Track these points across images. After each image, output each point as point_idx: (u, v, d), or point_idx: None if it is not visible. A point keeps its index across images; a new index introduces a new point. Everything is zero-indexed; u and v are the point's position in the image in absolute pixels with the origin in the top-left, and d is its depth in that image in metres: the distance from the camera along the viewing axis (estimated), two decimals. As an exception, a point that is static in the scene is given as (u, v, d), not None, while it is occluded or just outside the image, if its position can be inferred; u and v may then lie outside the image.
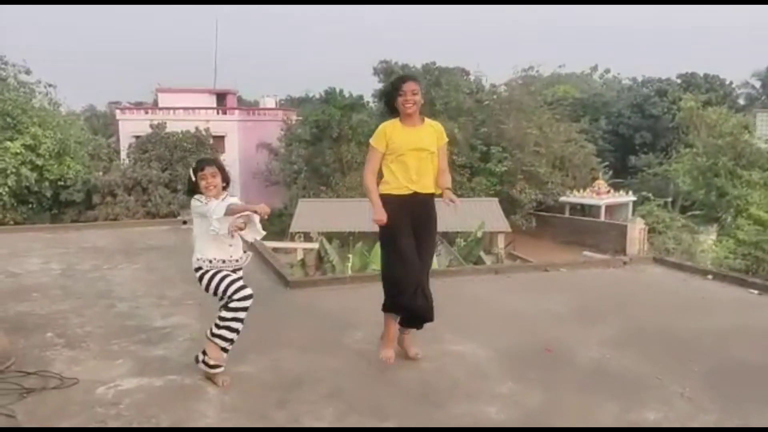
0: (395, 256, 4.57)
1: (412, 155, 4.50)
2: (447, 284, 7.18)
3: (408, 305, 4.57)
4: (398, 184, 4.52)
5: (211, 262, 4.14)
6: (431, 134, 4.61)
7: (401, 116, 4.56)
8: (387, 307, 4.70)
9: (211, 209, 3.99)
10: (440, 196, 4.68)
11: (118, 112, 39.12)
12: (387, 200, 4.53)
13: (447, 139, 4.78)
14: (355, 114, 35.04)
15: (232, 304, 4.08)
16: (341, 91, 40.06)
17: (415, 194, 4.54)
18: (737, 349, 5.01)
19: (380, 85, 36.73)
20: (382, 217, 4.47)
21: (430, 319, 4.71)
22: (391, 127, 4.57)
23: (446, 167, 4.79)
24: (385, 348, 4.72)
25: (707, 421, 3.78)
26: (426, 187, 4.58)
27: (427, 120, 4.68)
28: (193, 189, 4.18)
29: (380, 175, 4.65)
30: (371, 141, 4.64)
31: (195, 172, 4.15)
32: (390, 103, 4.59)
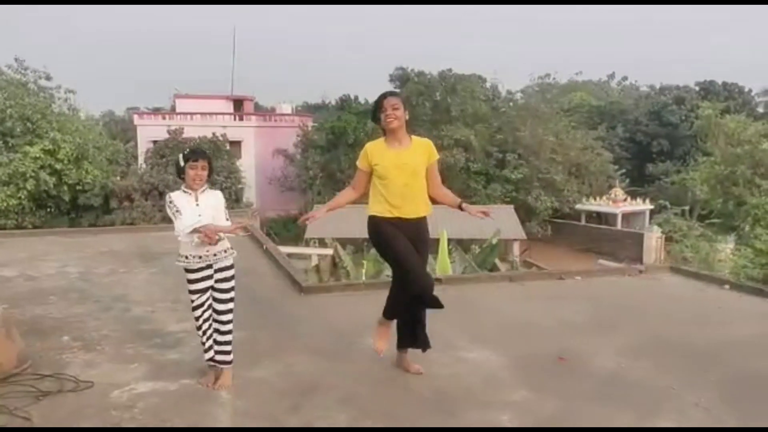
0: (397, 255, 4.46)
1: (396, 177, 4.38)
2: (461, 291, 7.18)
3: (422, 288, 4.43)
4: (382, 208, 4.44)
5: (186, 258, 4.19)
6: (419, 153, 4.48)
7: (386, 134, 4.49)
8: (389, 313, 4.68)
9: (179, 227, 4.11)
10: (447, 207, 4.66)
11: (136, 117, 39.46)
12: (376, 221, 4.49)
13: (437, 156, 4.64)
14: (371, 120, 35.14)
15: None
16: (357, 97, 40.17)
17: (399, 219, 4.41)
18: (754, 360, 4.96)
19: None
20: (308, 216, 4.59)
21: (434, 302, 4.51)
22: (374, 146, 4.52)
23: (441, 183, 4.67)
24: (380, 340, 4.64)
25: (723, 432, 3.73)
26: (411, 212, 4.43)
27: (415, 138, 4.58)
28: (181, 174, 4.21)
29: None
30: (357, 162, 4.61)
31: (186, 160, 4.15)
32: (377, 121, 4.51)
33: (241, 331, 5.37)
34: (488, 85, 38.56)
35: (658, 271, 8.40)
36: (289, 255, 12.38)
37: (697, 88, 45.99)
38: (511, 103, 38.99)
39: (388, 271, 12.01)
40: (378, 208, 4.47)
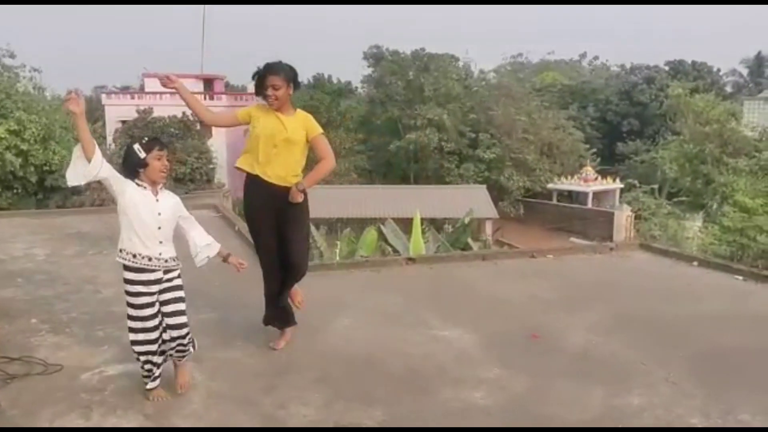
0: (258, 250, 4.61)
1: (269, 138, 4.35)
2: (435, 270, 7.20)
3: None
4: (248, 161, 4.44)
5: (134, 257, 3.63)
6: (299, 124, 4.43)
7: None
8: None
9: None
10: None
11: (104, 96, 38.76)
12: (247, 181, 4.48)
13: (320, 131, 4.56)
14: (344, 100, 34.92)
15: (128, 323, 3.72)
16: (330, 77, 39.93)
17: (258, 177, 4.39)
18: (722, 335, 5.05)
19: (370, 71, 36.63)
20: (172, 81, 4.84)
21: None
22: (259, 107, 4.48)
23: (326, 156, 4.57)
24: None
25: (691, 406, 3.80)
26: (273, 176, 4.38)
27: (299, 111, 4.53)
28: (137, 167, 3.64)
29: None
30: (238, 111, 4.62)
31: (147, 149, 3.63)
32: (259, 93, 4.42)
33: (213, 312, 5.35)
34: (461, 64, 38.59)
35: (628, 249, 8.51)
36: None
37: (666, 68, 46.49)
38: (483, 83, 39.11)
39: (361, 251, 12.01)
40: (245, 160, 4.47)
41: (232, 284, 6.31)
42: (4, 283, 6.42)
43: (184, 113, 29.46)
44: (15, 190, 22.70)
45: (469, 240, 14.69)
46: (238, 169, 4.50)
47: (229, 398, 3.83)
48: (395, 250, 12.46)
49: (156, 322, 3.69)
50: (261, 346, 4.66)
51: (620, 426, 3.60)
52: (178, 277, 3.78)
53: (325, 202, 23.82)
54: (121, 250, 3.65)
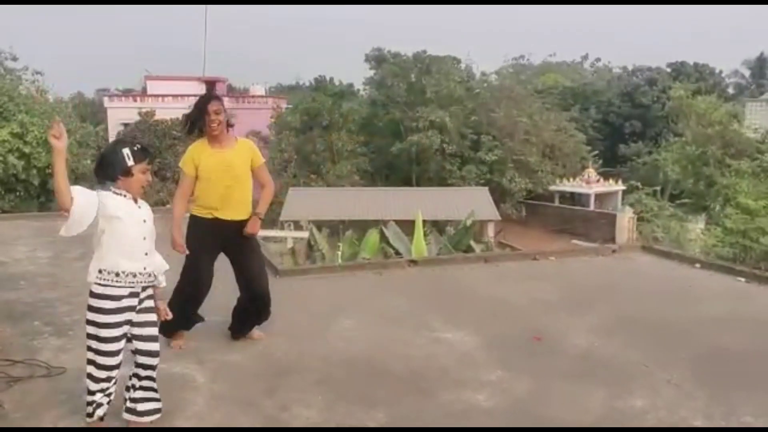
0: (190, 273, 4.56)
1: (219, 179, 4.37)
2: (436, 272, 7.21)
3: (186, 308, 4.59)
4: (204, 204, 4.46)
5: (117, 276, 3.23)
6: (243, 154, 4.49)
7: (208, 137, 4.45)
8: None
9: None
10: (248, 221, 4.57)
11: (106, 99, 38.84)
12: (195, 221, 4.51)
13: (263, 160, 4.65)
14: (346, 102, 34.92)
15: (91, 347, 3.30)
16: (331, 78, 39.96)
17: (217, 220, 4.43)
18: (724, 337, 5.05)
19: (372, 73, 36.65)
20: (180, 242, 4.43)
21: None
22: (198, 148, 4.47)
23: (268, 183, 4.66)
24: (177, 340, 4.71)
25: (694, 407, 3.80)
26: (230, 215, 4.45)
27: (240, 139, 4.58)
28: (121, 175, 3.25)
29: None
30: (180, 164, 4.56)
31: (137, 159, 3.27)
32: (198, 125, 4.42)
33: (217, 316, 5.34)
34: (463, 66, 38.57)
35: (631, 251, 8.50)
36: (264, 238, 12.34)
37: (668, 70, 46.43)
38: (485, 85, 39.05)
39: (364, 254, 12.03)
40: (201, 203, 4.49)
41: (233, 287, 6.32)
42: (7, 285, 6.44)
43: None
44: (18, 193, 22.73)
45: (471, 242, 14.72)
46: (194, 218, 4.49)
47: (232, 400, 3.84)
48: (397, 252, 12.49)
49: (122, 345, 3.31)
50: (263, 349, 4.67)
51: (622, 427, 3.60)
52: (151, 296, 3.44)
53: (328, 204, 23.85)
54: (100, 271, 3.24)
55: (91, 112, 42.46)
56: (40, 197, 24.07)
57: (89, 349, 3.30)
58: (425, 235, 13.19)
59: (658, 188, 28.68)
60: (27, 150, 21.41)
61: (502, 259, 8.17)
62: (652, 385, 4.12)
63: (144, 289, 3.36)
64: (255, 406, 3.77)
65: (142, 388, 3.45)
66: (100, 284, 3.25)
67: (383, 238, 13.15)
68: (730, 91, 52.74)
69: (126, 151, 3.26)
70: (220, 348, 4.64)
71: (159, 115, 28.91)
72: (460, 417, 3.69)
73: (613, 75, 54.51)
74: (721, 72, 50.73)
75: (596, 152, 38.09)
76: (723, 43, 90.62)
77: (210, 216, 4.43)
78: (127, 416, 3.44)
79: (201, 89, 38.73)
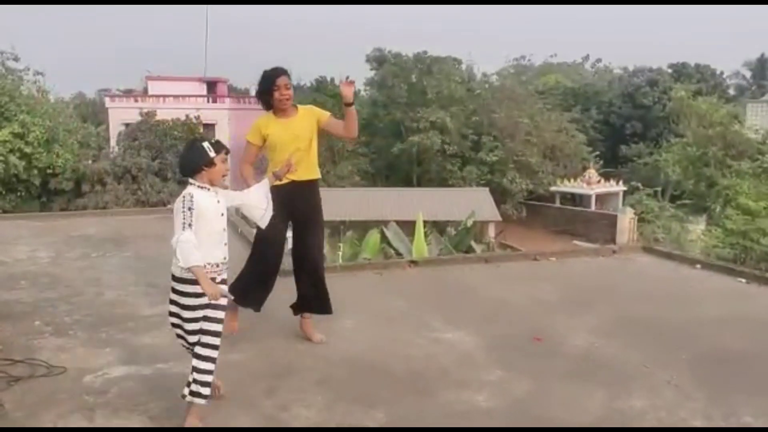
0: (264, 232, 4.55)
1: (287, 147, 4.51)
2: (437, 272, 7.22)
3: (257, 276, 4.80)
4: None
5: (204, 267, 3.41)
6: (306, 120, 4.66)
7: (275, 110, 4.61)
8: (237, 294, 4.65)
9: (184, 244, 3.31)
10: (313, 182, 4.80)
11: (107, 99, 38.82)
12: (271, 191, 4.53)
13: (328, 113, 4.80)
14: (256, 96, 34.88)
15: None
16: (332, 79, 39.91)
17: (293, 183, 4.54)
18: (725, 338, 5.05)
19: (373, 73, 36.68)
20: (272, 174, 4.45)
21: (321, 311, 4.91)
22: (265, 121, 4.64)
23: (344, 124, 4.73)
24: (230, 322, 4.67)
25: (694, 408, 3.81)
26: (303, 174, 4.61)
27: (300, 107, 4.72)
28: (205, 166, 3.50)
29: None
30: (247, 136, 4.72)
31: (217, 150, 3.54)
32: (266, 99, 4.59)
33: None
34: (464, 67, 38.62)
35: (631, 252, 8.50)
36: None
37: (669, 71, 46.45)
38: (486, 86, 39.09)
39: (365, 254, 12.02)
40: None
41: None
42: (8, 285, 6.45)
43: (187, 116, 29.51)
44: (19, 193, 22.76)
45: (472, 242, 14.71)
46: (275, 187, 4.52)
47: (231, 400, 3.84)
48: (398, 253, 12.48)
49: (199, 325, 3.52)
50: (262, 349, 4.67)
51: (622, 427, 3.60)
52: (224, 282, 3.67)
53: (328, 204, 23.83)
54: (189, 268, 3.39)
55: (92, 112, 42.54)
56: (41, 197, 24.10)
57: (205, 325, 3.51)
58: (426, 235, 13.19)
59: (659, 189, 28.67)
60: (28, 150, 21.43)
61: (502, 259, 8.17)
62: (652, 385, 4.12)
63: (220, 277, 3.59)
64: (255, 406, 3.77)
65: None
66: (189, 276, 3.41)
67: (384, 238, 13.14)
68: (731, 92, 52.75)
69: (206, 144, 3.56)
70: (222, 347, 4.62)
71: (160, 116, 28.87)
72: (459, 417, 3.69)
73: (614, 76, 54.51)
74: (722, 73, 50.79)
75: (597, 153, 38.11)
76: (724, 44, 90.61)
77: (286, 181, 4.46)
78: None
79: (202, 90, 38.79)
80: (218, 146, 3.58)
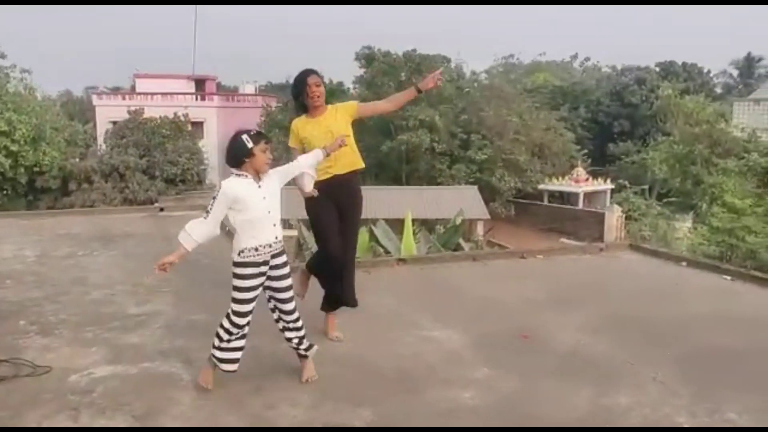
0: (320, 221, 4.80)
1: (321, 142, 4.57)
2: (425, 270, 7.23)
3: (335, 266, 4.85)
4: (319, 172, 4.62)
5: (256, 250, 3.79)
6: (337, 115, 4.78)
7: (309, 109, 4.75)
8: (313, 269, 5.06)
9: (193, 224, 3.75)
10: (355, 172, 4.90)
11: (94, 97, 38.65)
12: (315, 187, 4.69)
13: (355, 103, 4.99)
14: (336, 100, 34.85)
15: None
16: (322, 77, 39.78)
17: (336, 177, 4.71)
18: (710, 335, 5.09)
19: (362, 71, 36.62)
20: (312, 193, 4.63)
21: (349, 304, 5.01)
22: (299, 123, 4.79)
23: (377, 103, 5.30)
24: (300, 286, 4.94)
25: (678, 405, 3.83)
26: (344, 166, 4.75)
27: (329, 106, 4.84)
28: (243, 157, 3.76)
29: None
30: (289, 143, 4.89)
31: (255, 141, 3.77)
32: (301, 100, 4.72)
33: (204, 313, 5.34)
34: (453, 65, 38.58)
35: (618, 250, 8.55)
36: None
37: (657, 69, 46.68)
38: (475, 84, 39.08)
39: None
40: (317, 173, 4.67)
41: (221, 286, 6.31)
42: (-7, 284, 6.40)
43: (175, 114, 29.39)
44: (5, 191, 22.58)
45: (461, 240, 14.70)
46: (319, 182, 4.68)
47: (218, 399, 3.83)
48: (386, 251, 12.46)
49: (252, 306, 3.90)
50: (249, 347, 4.64)
51: (608, 426, 3.62)
52: (284, 263, 3.94)
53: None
54: (242, 250, 3.77)
55: (79, 110, 42.23)
56: (28, 195, 23.92)
57: (232, 305, 3.89)
58: (414, 233, 13.18)
59: (646, 187, 28.85)
60: (14, 148, 21.26)
61: (490, 257, 8.19)
62: (638, 382, 4.15)
63: (274, 256, 3.87)
64: (242, 404, 3.77)
65: (293, 328, 4.09)
66: (242, 260, 3.79)
67: (372, 236, 13.11)
68: (718, 90, 53.11)
69: (245, 137, 3.77)
70: (208, 347, 4.59)
71: (148, 113, 28.74)
72: (447, 415, 3.70)
73: (602, 74, 54.76)
74: (709, 72, 51.10)
75: (585, 151, 38.25)
76: (712, 42, 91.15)
77: (329, 175, 4.67)
78: (302, 361, 4.13)
79: (190, 87, 38.63)
80: (257, 137, 3.80)
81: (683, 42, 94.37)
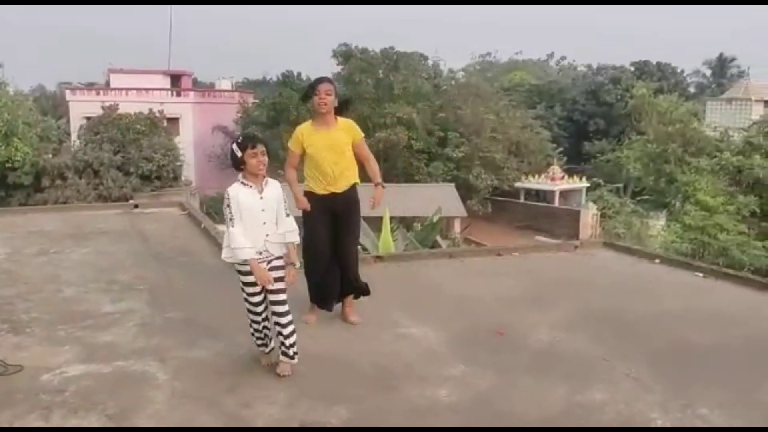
0: (311, 244, 4.99)
1: (324, 157, 4.85)
2: (402, 268, 7.23)
3: (318, 284, 5.12)
4: (317, 185, 4.94)
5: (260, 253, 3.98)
6: (344, 133, 4.95)
7: (315, 117, 4.92)
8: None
9: (232, 238, 3.90)
10: (363, 182, 5.22)
11: (68, 92, 38.07)
12: (309, 197, 4.97)
13: (362, 135, 5.12)
14: (300, 100, 34.79)
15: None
16: (299, 74, 39.74)
17: (333, 194, 4.93)
18: (683, 331, 5.15)
19: (339, 69, 36.56)
20: (306, 204, 4.95)
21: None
22: (304, 130, 4.95)
23: (369, 157, 5.18)
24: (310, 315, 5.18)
25: (651, 401, 3.88)
26: (342, 186, 4.98)
27: (340, 119, 4.97)
28: (238, 165, 3.92)
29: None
30: (288, 144, 5.05)
31: (243, 148, 3.86)
32: (307, 103, 4.96)
33: (178, 311, 5.30)
34: (430, 63, 38.68)
35: (593, 247, 8.63)
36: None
37: (632, 69, 47.17)
38: (452, 82, 39.24)
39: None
40: (313, 185, 4.98)
41: (197, 283, 6.27)
42: (-37, 282, 6.28)
43: (150, 110, 29.08)
44: (-25, 188, 22.15)
45: (438, 238, 14.74)
46: (309, 193, 4.97)
47: (193, 398, 3.80)
48: (364, 249, 12.43)
49: (261, 297, 4.10)
50: (226, 346, 4.63)
51: (582, 425, 3.65)
52: (279, 267, 4.05)
53: (294, 199, 23.72)
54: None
55: (52, 105, 41.65)
56: (-1, 192, 23.50)
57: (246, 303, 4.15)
58: (392, 231, 13.17)
59: (621, 185, 29.16)
60: (-15, 144, 20.87)
61: (467, 255, 8.22)
62: (612, 378, 4.19)
63: (269, 261, 3.99)
64: (217, 403, 3.74)
65: (278, 334, 4.14)
66: (230, 260, 3.99)
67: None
68: (692, 90, 53.84)
69: (233, 146, 3.88)
70: (183, 345, 4.58)
71: (122, 109, 28.40)
72: (423, 413, 3.71)
73: (578, 73, 55.26)
74: (682, 71, 51.84)
75: (561, 149, 38.60)
76: (685, 42, 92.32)
77: (326, 192, 4.93)
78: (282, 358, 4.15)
79: (166, 83, 38.24)
80: (244, 143, 3.88)
81: (658, 42, 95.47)
